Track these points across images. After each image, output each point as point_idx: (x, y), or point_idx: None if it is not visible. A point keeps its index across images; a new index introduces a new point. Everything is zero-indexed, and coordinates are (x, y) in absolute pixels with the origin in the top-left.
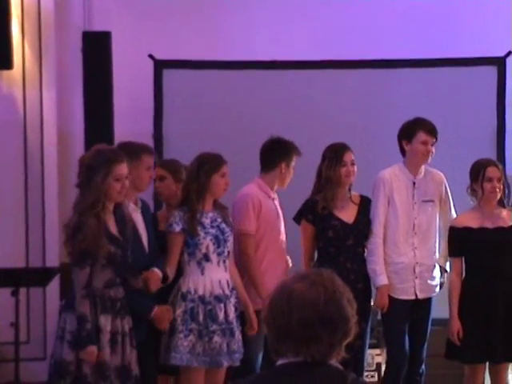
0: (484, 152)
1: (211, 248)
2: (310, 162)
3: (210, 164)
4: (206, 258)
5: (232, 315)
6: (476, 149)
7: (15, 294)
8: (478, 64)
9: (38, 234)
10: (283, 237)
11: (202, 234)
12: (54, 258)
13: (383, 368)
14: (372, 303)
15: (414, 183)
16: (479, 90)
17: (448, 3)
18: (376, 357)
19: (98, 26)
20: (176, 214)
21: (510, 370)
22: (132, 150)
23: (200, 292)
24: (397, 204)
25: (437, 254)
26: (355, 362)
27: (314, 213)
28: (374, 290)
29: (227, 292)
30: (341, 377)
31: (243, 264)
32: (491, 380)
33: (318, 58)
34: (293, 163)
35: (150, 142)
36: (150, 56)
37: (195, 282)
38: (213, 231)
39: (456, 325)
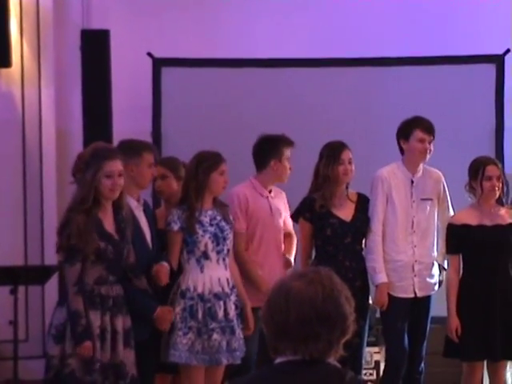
0: (482, 150)
1: (210, 246)
2: (308, 160)
3: (208, 162)
4: (205, 255)
5: (232, 313)
6: (474, 147)
7: (14, 292)
8: (476, 62)
9: (37, 232)
10: (281, 234)
11: (200, 232)
12: (52, 256)
13: (382, 366)
14: (370, 301)
15: (413, 181)
16: (478, 87)
17: (447, 1)
18: (374, 355)
19: (96, 24)
20: (174, 212)
21: (508, 368)
22: (133, 148)
23: (199, 290)
24: (395, 202)
25: (435, 252)
26: (353, 360)
27: (311, 211)
28: (372, 288)
29: (227, 290)
30: (339, 375)
31: (236, 261)
32: (489, 378)
33: (317, 56)
34: (286, 156)
35: (149, 140)
36: (149, 54)
37: (194, 279)
38: (211, 229)
39: (454, 322)
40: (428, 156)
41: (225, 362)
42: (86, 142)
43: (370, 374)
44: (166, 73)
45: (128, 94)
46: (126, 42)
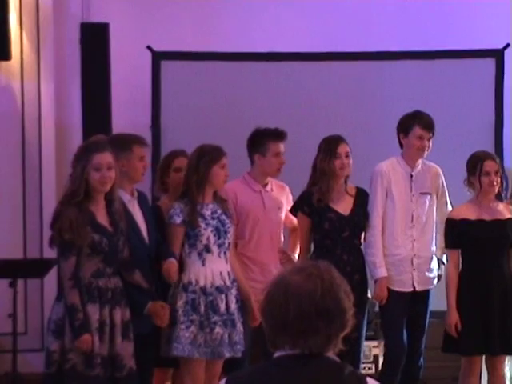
0: (482, 145)
1: (212, 239)
2: (307, 155)
3: (209, 155)
4: (207, 249)
5: (233, 306)
6: (474, 141)
7: (13, 285)
8: (476, 56)
9: (36, 226)
10: (278, 228)
11: (202, 225)
12: (51, 250)
13: (380, 360)
14: (369, 295)
15: (412, 176)
16: (477, 82)
17: None
18: (373, 349)
19: (96, 18)
20: (176, 205)
21: (506, 362)
22: (123, 142)
23: (201, 283)
24: (395, 196)
25: (434, 246)
26: (352, 354)
27: (309, 205)
28: (371, 282)
29: (228, 283)
30: (338, 369)
31: None
32: (488, 372)
33: (316, 50)
34: (273, 151)
35: (148, 134)
36: (148, 47)
37: (196, 273)
38: (213, 222)
39: (454, 317)
40: (426, 153)
41: (227, 355)
42: (86, 135)
43: (369, 368)
44: (166, 66)
45: (127, 87)
46: (125, 35)
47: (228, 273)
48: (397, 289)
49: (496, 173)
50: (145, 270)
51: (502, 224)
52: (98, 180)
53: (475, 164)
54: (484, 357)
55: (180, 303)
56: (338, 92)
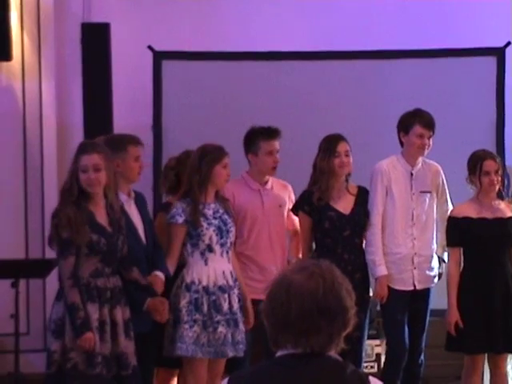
0: (483, 143)
1: (214, 239)
2: (307, 154)
3: (212, 155)
4: (210, 248)
5: (236, 306)
6: (475, 139)
7: (15, 285)
8: (477, 54)
9: (38, 226)
10: (279, 227)
11: (204, 224)
12: (52, 250)
13: (383, 359)
14: (371, 294)
15: (412, 174)
16: (478, 80)
17: None
18: (375, 347)
19: (97, 18)
20: (178, 205)
21: (508, 361)
22: (117, 142)
23: (204, 283)
24: (395, 195)
25: (434, 244)
26: (354, 353)
27: (310, 204)
28: (372, 281)
29: (231, 283)
30: (340, 368)
31: None
32: (490, 370)
33: (316, 49)
34: (265, 149)
35: (150, 134)
36: (149, 47)
37: (199, 272)
38: (215, 222)
39: (454, 315)
40: (426, 151)
41: (230, 354)
42: (87, 135)
43: (371, 367)
44: (167, 66)
45: (128, 87)
46: (126, 35)
47: (230, 272)
48: (397, 287)
49: (496, 172)
50: (142, 270)
51: (503, 222)
52: (84, 181)
53: (475, 163)
54: (486, 355)
55: (183, 303)
56: (338, 91)
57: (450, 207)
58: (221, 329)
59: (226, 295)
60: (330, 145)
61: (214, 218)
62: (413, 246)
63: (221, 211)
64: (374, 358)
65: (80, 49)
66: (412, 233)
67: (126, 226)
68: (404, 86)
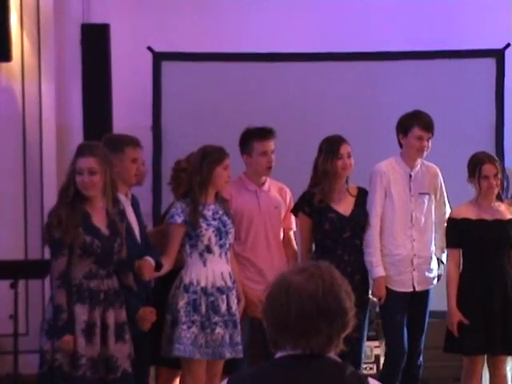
0: (482, 145)
1: (213, 240)
2: (307, 155)
3: (213, 156)
4: (208, 249)
5: (235, 307)
6: (474, 141)
7: (14, 286)
8: (476, 56)
9: (37, 227)
10: (276, 228)
11: (204, 225)
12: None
13: (382, 360)
14: (370, 295)
15: (411, 176)
16: (478, 82)
17: None
18: (375, 349)
19: (96, 19)
20: (178, 205)
21: (508, 362)
22: (115, 143)
23: (202, 283)
24: (394, 196)
25: (433, 246)
26: (353, 354)
27: (310, 205)
28: (371, 282)
29: (229, 284)
30: (339, 369)
31: None
32: (489, 372)
33: (316, 51)
34: (258, 150)
35: (149, 135)
36: (149, 48)
37: (197, 273)
38: (215, 223)
39: (455, 316)
40: (425, 153)
41: (228, 355)
42: (87, 136)
43: (370, 369)
44: (167, 67)
45: (128, 88)
46: (126, 36)
47: (229, 273)
48: (397, 289)
49: (495, 176)
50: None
51: (502, 224)
52: (79, 184)
53: (475, 167)
54: (486, 357)
55: (181, 304)
56: (338, 92)
57: (448, 209)
58: (218, 330)
59: (224, 296)
60: (333, 146)
61: (214, 219)
62: (412, 247)
63: (220, 212)
64: (372, 359)
65: (80, 50)
66: (411, 234)
67: (126, 229)
68: (403, 88)
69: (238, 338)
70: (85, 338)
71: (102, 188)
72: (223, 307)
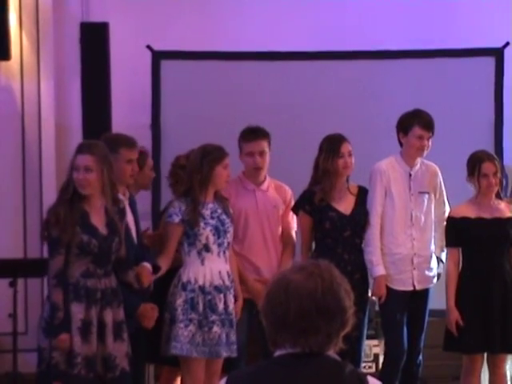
0: (482, 143)
1: (211, 239)
2: (307, 154)
3: (213, 155)
4: (207, 248)
5: (232, 306)
6: (474, 140)
7: (13, 284)
8: (475, 55)
9: (36, 226)
10: (274, 227)
11: (201, 224)
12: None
13: (381, 359)
14: (370, 294)
15: (410, 175)
16: (477, 81)
17: None
18: (374, 348)
19: (95, 17)
20: (176, 204)
21: (508, 361)
22: (111, 143)
23: (200, 282)
24: (394, 195)
25: (433, 244)
26: (352, 352)
27: (311, 204)
28: (371, 281)
29: (227, 283)
30: (338, 368)
31: None
32: (489, 371)
33: (316, 49)
34: (243, 150)
35: (148, 133)
36: (148, 47)
37: (195, 272)
38: (213, 222)
39: (454, 315)
40: (425, 153)
41: (224, 354)
42: (86, 135)
43: (369, 367)
44: (166, 66)
45: (127, 87)
46: (125, 34)
47: (227, 272)
48: (397, 288)
49: (494, 174)
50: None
51: (502, 223)
52: (75, 180)
53: (474, 165)
54: (486, 356)
55: (179, 302)
56: (337, 91)
57: (447, 208)
58: (215, 329)
59: (222, 295)
60: (334, 145)
61: (212, 218)
62: (412, 246)
63: (219, 211)
64: (371, 358)
65: (79, 48)
66: (411, 233)
67: (123, 229)
68: (402, 87)
69: (234, 337)
70: (81, 336)
71: (99, 187)
72: (220, 306)
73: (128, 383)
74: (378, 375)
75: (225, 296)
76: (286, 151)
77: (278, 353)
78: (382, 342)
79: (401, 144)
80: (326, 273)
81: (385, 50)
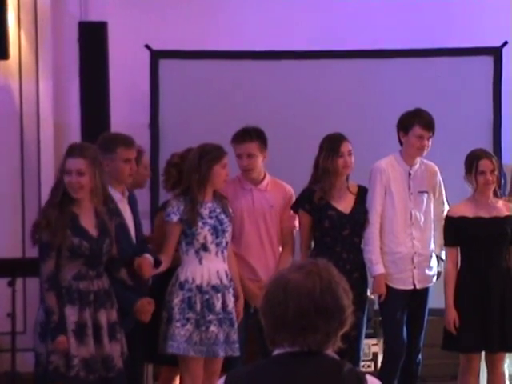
0: (480, 142)
1: (209, 238)
2: (306, 153)
3: (211, 154)
4: (204, 247)
5: (231, 305)
6: (472, 139)
7: (12, 284)
8: (474, 54)
9: None
10: (271, 227)
11: (199, 224)
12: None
13: (380, 358)
14: (369, 293)
15: (410, 174)
16: (475, 80)
17: None
18: (372, 347)
19: (94, 17)
20: (174, 203)
21: (506, 360)
22: (108, 143)
23: (197, 281)
24: (394, 194)
25: (433, 243)
26: (351, 351)
27: (310, 202)
28: (370, 280)
29: (226, 282)
30: (337, 366)
31: None
32: (487, 369)
33: (315, 48)
34: (234, 151)
35: (147, 132)
36: (147, 46)
37: (193, 271)
38: (211, 221)
39: (452, 314)
40: (425, 152)
41: (221, 354)
42: (84, 134)
43: (368, 366)
44: (164, 65)
45: (126, 86)
46: (123, 34)
47: (226, 272)
48: (397, 287)
49: (492, 172)
50: (131, 269)
51: (500, 221)
52: (67, 184)
53: (471, 162)
54: (484, 355)
55: (176, 301)
56: (337, 90)
57: (446, 208)
58: (213, 328)
59: (220, 295)
60: (334, 145)
61: (210, 218)
62: (412, 245)
63: (218, 210)
64: (370, 357)
65: (77, 48)
66: (411, 232)
67: (120, 226)
68: (401, 86)
69: (235, 337)
70: (76, 338)
71: (90, 190)
72: (218, 305)
73: (124, 383)
74: (376, 374)
75: (223, 295)
76: (286, 150)
77: (276, 352)
78: (381, 341)
79: (401, 143)
80: (324, 272)
81: (383, 49)
